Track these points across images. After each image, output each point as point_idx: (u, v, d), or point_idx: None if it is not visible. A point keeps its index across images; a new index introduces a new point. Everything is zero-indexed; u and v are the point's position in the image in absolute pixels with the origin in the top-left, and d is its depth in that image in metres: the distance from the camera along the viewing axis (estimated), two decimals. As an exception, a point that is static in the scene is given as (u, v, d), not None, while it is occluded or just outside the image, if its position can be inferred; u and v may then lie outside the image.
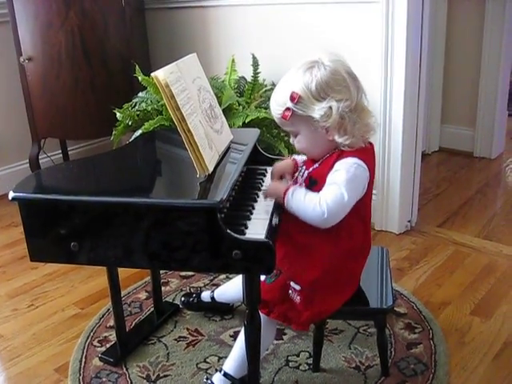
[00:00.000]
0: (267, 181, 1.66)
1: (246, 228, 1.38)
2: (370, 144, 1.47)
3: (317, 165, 1.46)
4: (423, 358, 1.73)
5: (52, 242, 1.40)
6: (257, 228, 1.38)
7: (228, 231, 1.28)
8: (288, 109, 1.38)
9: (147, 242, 1.33)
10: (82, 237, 1.37)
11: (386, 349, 1.65)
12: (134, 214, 1.33)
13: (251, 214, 1.46)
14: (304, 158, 1.57)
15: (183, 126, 1.36)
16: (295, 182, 1.52)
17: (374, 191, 2.56)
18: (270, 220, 1.43)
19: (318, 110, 1.36)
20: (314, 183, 1.45)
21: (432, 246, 2.48)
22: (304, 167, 1.52)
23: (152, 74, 1.34)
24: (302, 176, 1.50)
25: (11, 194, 1.40)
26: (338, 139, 1.39)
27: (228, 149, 1.65)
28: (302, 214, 1.40)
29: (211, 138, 1.52)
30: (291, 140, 1.51)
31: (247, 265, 1.30)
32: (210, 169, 1.41)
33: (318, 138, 1.42)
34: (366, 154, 1.43)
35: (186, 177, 1.52)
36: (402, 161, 2.48)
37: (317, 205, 1.36)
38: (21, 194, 1.39)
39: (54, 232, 1.38)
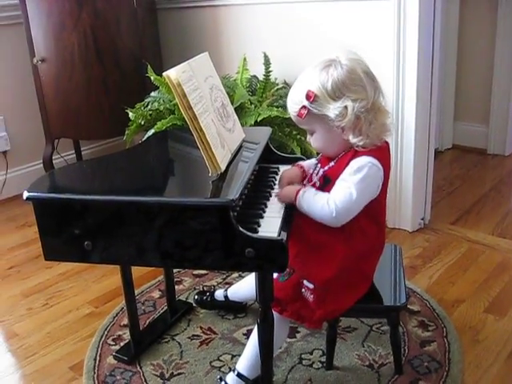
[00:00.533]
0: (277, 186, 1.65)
1: (259, 226, 1.38)
2: (386, 143, 1.47)
3: (332, 163, 1.46)
4: (437, 356, 1.72)
5: (66, 241, 1.41)
6: (269, 226, 1.39)
7: (241, 229, 1.28)
8: (304, 107, 1.39)
9: (160, 240, 1.34)
10: (96, 236, 1.38)
11: (400, 346, 1.64)
12: (147, 213, 1.33)
13: (264, 212, 1.46)
14: (313, 161, 1.59)
15: (195, 125, 1.37)
16: (310, 181, 1.53)
17: (386, 189, 2.57)
18: (283, 218, 1.44)
19: (333, 110, 1.37)
20: (328, 181, 1.45)
21: (445, 244, 2.46)
22: (319, 165, 1.52)
23: (164, 74, 1.35)
24: (317, 174, 1.50)
25: (25, 194, 1.41)
26: (353, 139, 1.39)
27: (240, 147, 1.65)
28: (312, 214, 1.42)
29: (223, 137, 1.53)
30: (308, 138, 1.51)
31: (260, 263, 1.30)
32: (223, 167, 1.42)
33: (333, 137, 1.42)
34: (382, 152, 1.43)
35: (198, 176, 1.53)
36: (414, 158, 2.47)
37: (325, 204, 1.38)
38: (35, 194, 1.40)
39: (67, 231, 1.39)
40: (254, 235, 1.30)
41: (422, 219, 2.63)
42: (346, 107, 1.36)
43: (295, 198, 1.43)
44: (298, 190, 1.44)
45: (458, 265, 2.29)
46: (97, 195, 1.39)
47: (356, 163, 1.39)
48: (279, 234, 1.35)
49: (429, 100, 2.45)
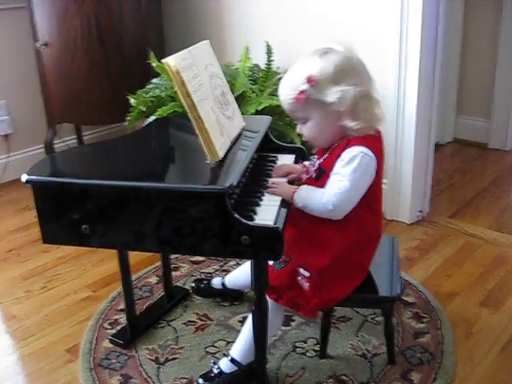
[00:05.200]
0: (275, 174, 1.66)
1: (255, 214, 1.39)
2: (378, 132, 1.48)
3: (327, 154, 1.47)
4: (430, 348, 1.73)
5: (64, 225, 1.43)
6: (266, 214, 1.40)
7: (237, 216, 1.29)
8: (302, 92, 1.39)
9: (157, 226, 1.34)
10: (94, 220, 1.39)
11: (393, 337, 1.65)
12: (145, 198, 1.34)
13: (261, 200, 1.47)
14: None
15: (194, 113, 1.38)
16: (308, 173, 1.54)
17: (385, 180, 2.55)
18: (280, 206, 1.45)
19: (333, 94, 1.38)
20: (323, 173, 1.46)
21: (443, 237, 2.47)
22: (316, 157, 1.53)
23: (163, 60, 1.35)
24: (314, 166, 1.51)
25: (24, 177, 1.42)
26: (349, 123, 1.40)
27: (240, 135, 1.66)
28: (310, 211, 1.44)
29: (223, 125, 1.53)
30: (298, 128, 1.50)
31: (255, 251, 1.31)
32: (221, 155, 1.43)
33: (328, 124, 1.43)
34: (374, 141, 1.44)
35: (197, 163, 1.53)
36: (414, 151, 2.47)
37: (321, 199, 1.40)
38: (34, 177, 1.41)
39: (66, 215, 1.41)
40: (250, 222, 1.31)
41: (421, 212, 2.64)
42: (345, 91, 1.37)
43: (292, 197, 1.45)
44: (295, 190, 1.45)
45: (454, 258, 2.30)
46: (95, 180, 1.40)
47: (347, 154, 1.40)
48: (275, 222, 1.36)
49: (431, 93, 2.45)
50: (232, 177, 1.35)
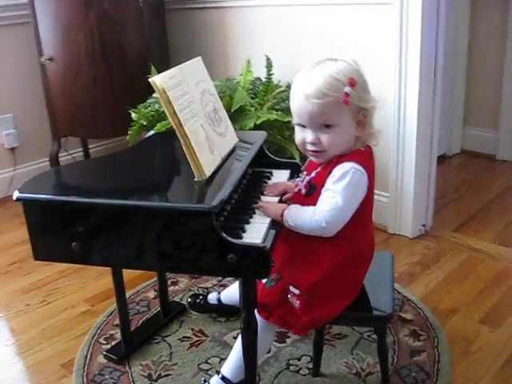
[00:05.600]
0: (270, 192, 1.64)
1: (244, 232, 1.38)
2: (369, 147, 1.47)
3: (318, 169, 1.46)
4: (426, 367, 1.70)
5: (54, 242, 1.44)
6: (254, 232, 1.39)
7: (223, 235, 1.28)
8: (347, 94, 1.34)
9: (143, 244, 1.34)
10: (82, 237, 1.39)
11: (386, 356, 1.63)
12: (130, 216, 1.34)
13: (251, 217, 1.46)
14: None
15: (181, 131, 1.38)
16: (296, 187, 1.53)
17: (386, 194, 2.56)
18: (270, 225, 1.44)
19: (368, 101, 1.38)
20: (314, 189, 1.45)
21: (445, 252, 2.44)
22: (305, 173, 1.52)
23: (150, 79, 1.35)
24: (303, 181, 1.50)
25: (15, 194, 1.44)
26: (364, 136, 1.42)
27: (232, 152, 1.65)
28: (301, 229, 1.41)
29: (213, 142, 1.53)
30: (311, 137, 1.39)
31: (242, 269, 1.30)
32: (207, 173, 1.42)
33: (348, 133, 1.40)
34: (364, 157, 1.42)
35: (186, 180, 1.53)
36: (416, 163, 2.45)
37: (313, 216, 1.38)
38: (24, 195, 1.43)
39: (55, 232, 1.42)
40: (236, 241, 1.30)
41: (424, 225, 2.61)
42: (374, 100, 1.38)
43: (281, 216, 1.42)
44: (284, 209, 1.43)
45: (456, 273, 2.27)
46: (81, 197, 1.40)
47: (338, 171, 1.38)
48: (264, 241, 1.35)
49: (431, 105, 2.42)
50: (218, 195, 1.34)
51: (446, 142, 3.51)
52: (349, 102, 1.34)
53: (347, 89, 1.34)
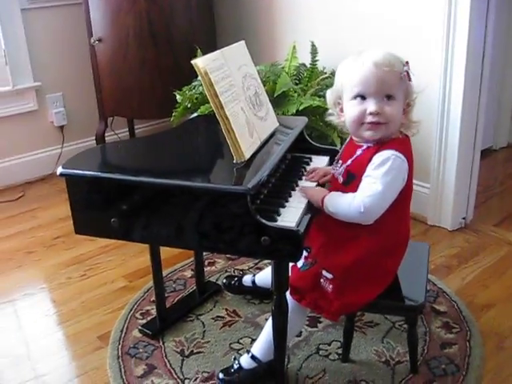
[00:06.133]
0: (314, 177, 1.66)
1: (279, 215, 1.40)
2: (406, 136, 1.48)
3: (354, 156, 1.46)
4: (456, 359, 1.69)
5: (94, 217, 1.49)
6: (289, 216, 1.41)
7: (258, 217, 1.30)
8: (407, 72, 1.41)
9: (180, 224, 1.38)
10: (121, 214, 1.44)
11: (416, 346, 1.63)
12: (170, 196, 1.38)
13: (287, 201, 1.48)
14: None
15: (221, 113, 1.40)
16: (332, 177, 1.54)
17: (427, 184, 2.53)
18: (305, 209, 1.46)
19: (413, 93, 1.46)
20: (352, 177, 1.45)
21: (485, 246, 2.40)
22: (340, 161, 1.52)
23: (193, 62, 1.38)
24: (339, 170, 1.50)
25: (59, 170, 1.49)
26: (407, 121, 1.46)
27: (272, 136, 1.67)
28: (340, 215, 1.43)
29: (253, 125, 1.55)
30: (376, 106, 1.39)
31: (274, 251, 1.32)
32: (247, 156, 1.44)
33: (400, 113, 1.44)
34: (404, 145, 1.44)
35: (226, 162, 1.56)
36: (458, 156, 2.41)
37: (352, 202, 1.39)
38: (67, 171, 1.48)
39: (95, 208, 1.47)
40: (270, 223, 1.32)
41: (464, 218, 2.57)
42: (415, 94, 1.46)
43: (321, 203, 1.44)
44: (325, 195, 1.45)
45: (494, 268, 2.23)
46: (123, 175, 1.45)
47: (378, 158, 1.39)
48: (298, 225, 1.37)
49: (477, 96, 2.37)
50: (255, 178, 1.36)
51: (492, 134, 3.42)
52: (410, 78, 1.41)
53: (407, 68, 1.41)
